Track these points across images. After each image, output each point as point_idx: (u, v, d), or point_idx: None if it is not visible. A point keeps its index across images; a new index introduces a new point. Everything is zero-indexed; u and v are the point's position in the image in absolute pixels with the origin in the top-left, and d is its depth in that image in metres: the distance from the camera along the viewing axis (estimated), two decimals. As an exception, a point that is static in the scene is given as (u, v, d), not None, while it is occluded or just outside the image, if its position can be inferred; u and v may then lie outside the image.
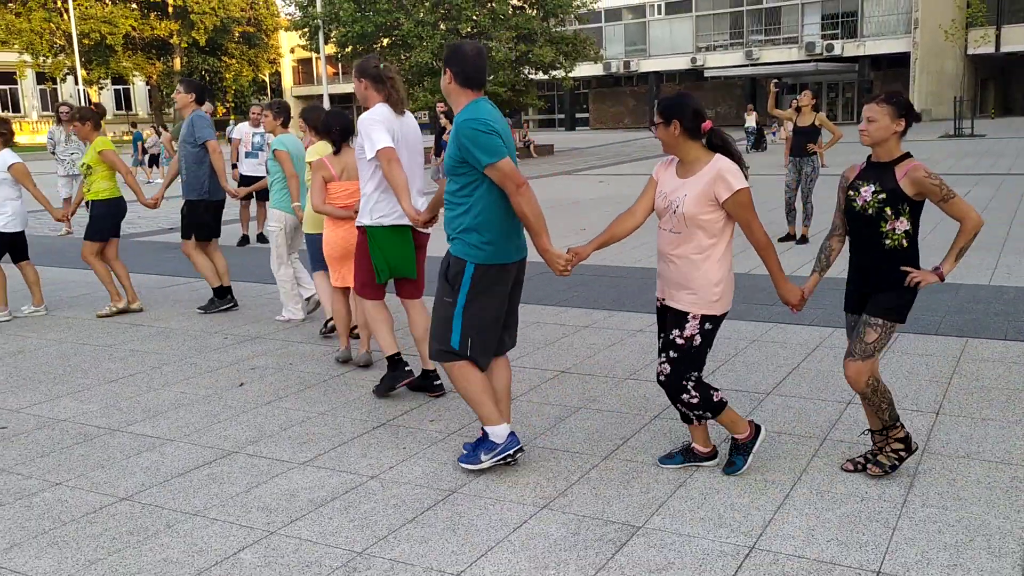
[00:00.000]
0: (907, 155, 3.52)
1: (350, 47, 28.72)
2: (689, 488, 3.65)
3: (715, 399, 3.66)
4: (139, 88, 60.97)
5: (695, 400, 3.63)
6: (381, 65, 4.73)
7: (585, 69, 39.32)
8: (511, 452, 3.82)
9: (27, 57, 49.35)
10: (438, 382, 4.98)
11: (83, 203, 7.40)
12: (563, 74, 29.98)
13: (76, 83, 46.27)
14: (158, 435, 4.53)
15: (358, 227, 4.86)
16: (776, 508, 3.45)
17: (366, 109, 4.73)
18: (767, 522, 3.34)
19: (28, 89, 57.70)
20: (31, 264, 7.40)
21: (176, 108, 7.81)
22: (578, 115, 51.97)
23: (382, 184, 4.67)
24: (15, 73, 53.58)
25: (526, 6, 29.03)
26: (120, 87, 59.64)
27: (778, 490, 3.60)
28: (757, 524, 3.32)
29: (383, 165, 4.51)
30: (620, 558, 3.12)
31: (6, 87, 57.39)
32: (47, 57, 49.10)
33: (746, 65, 44.14)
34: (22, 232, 7.28)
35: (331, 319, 6.26)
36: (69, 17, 44.89)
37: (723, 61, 45.18)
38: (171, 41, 52.11)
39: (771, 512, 3.41)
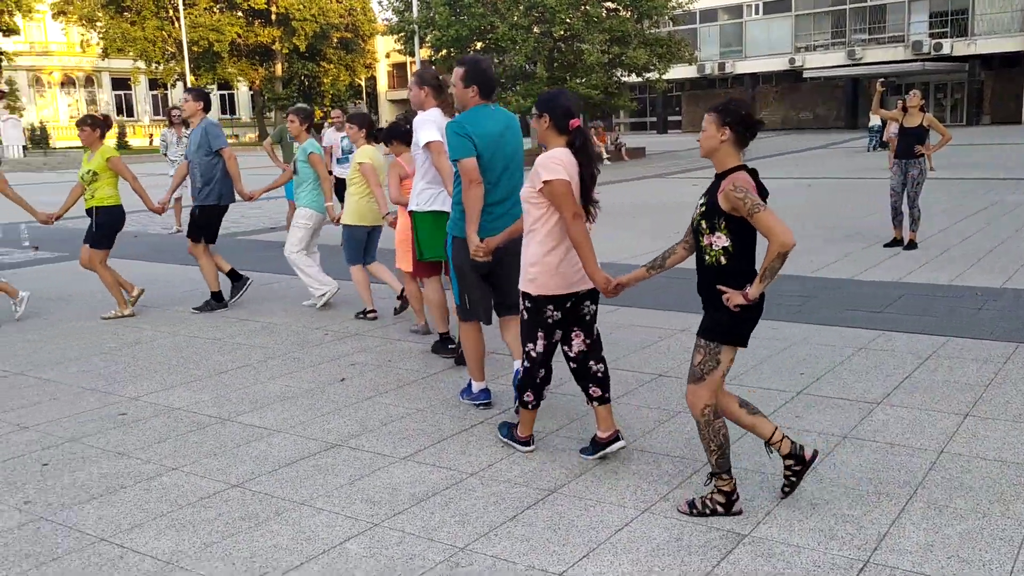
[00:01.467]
0: (739, 167, 3.24)
1: (444, 51, 29.08)
2: (797, 498, 3.55)
3: (526, 395, 4.04)
4: (242, 93, 63.20)
5: (521, 377, 4.08)
6: (440, 76, 5.45)
7: (678, 71, 38.77)
8: (479, 403, 4.80)
9: (141, 64, 51.75)
10: (452, 345, 5.74)
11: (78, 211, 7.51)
12: (656, 76, 29.67)
13: (185, 88, 48.22)
14: (265, 426, 4.67)
15: (408, 212, 5.63)
16: (891, 522, 3.32)
17: (420, 111, 5.35)
18: (882, 535, 3.21)
19: (141, 94, 60.54)
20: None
21: (185, 116, 7.97)
22: (670, 118, 51.36)
23: (428, 175, 5.35)
24: (130, 79, 56.28)
25: (620, 8, 28.85)
26: (225, 92, 61.94)
27: (892, 503, 3.47)
28: (871, 537, 3.21)
29: (432, 156, 5.16)
30: (726, 566, 3.06)
31: (122, 92, 60.35)
32: (159, 64, 51.38)
33: (848, 65, 42.83)
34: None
35: (401, 290, 6.92)
36: (180, 26, 46.88)
37: (823, 61, 43.95)
38: (273, 47, 53.79)
39: (886, 525, 3.29)
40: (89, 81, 60.55)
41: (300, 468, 4.08)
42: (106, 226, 7.32)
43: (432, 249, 5.47)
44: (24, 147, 38.96)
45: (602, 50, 27.22)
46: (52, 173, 31.13)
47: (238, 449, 4.34)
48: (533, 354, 3.97)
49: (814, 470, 3.76)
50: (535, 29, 27.82)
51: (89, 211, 7.32)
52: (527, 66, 27.10)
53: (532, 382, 4.02)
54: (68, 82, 59.68)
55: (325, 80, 56.47)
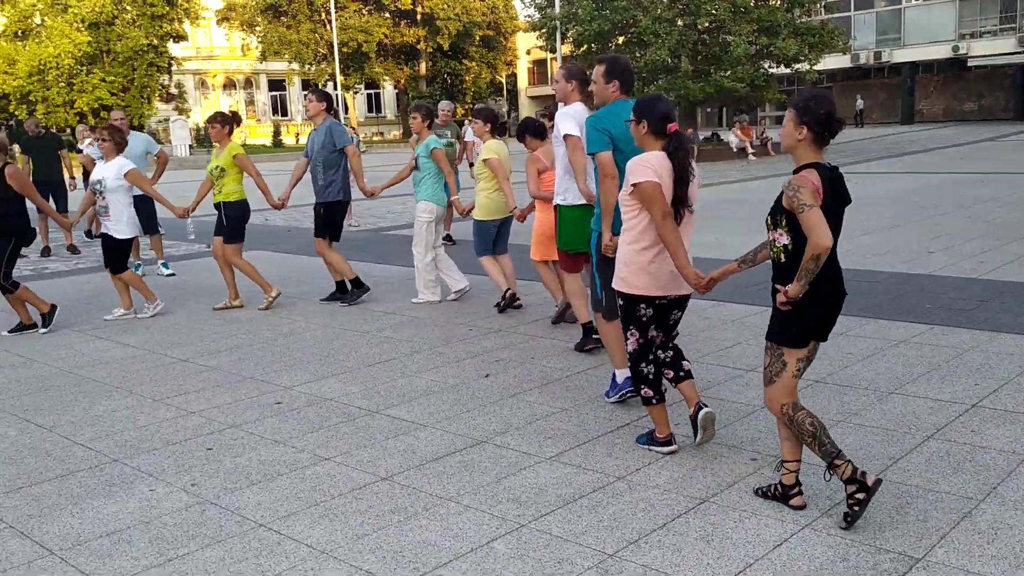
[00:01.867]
0: (810, 165, 3.22)
1: (585, 46, 28.92)
2: (975, 520, 3.27)
3: (643, 391, 4.03)
4: (388, 92, 65.17)
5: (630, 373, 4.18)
6: (586, 71, 5.46)
7: (830, 61, 37.07)
8: (626, 392, 4.78)
9: (295, 66, 54.28)
10: (596, 336, 5.68)
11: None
12: (807, 67, 28.46)
13: (335, 88, 50.22)
14: (412, 419, 4.73)
15: (553, 206, 5.76)
16: (1087, 553, 3.00)
17: (563, 104, 5.42)
18: (1077, 568, 2.91)
19: (295, 95, 63.42)
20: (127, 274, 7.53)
21: (309, 116, 8.09)
22: (820, 111, 49.19)
23: (569, 167, 5.45)
24: (285, 80, 59.12)
25: (769, -3, 27.87)
26: (371, 91, 64.07)
27: (1088, 532, 3.14)
28: (1064, 569, 2.91)
29: (568, 150, 5.29)
30: (897, 590, 2.84)
31: (277, 93, 63.46)
32: (311, 65, 53.71)
33: (1019, 52, 39.79)
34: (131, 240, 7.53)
35: (508, 291, 7.15)
36: (331, 28, 48.82)
37: (991, 49, 41.02)
38: (418, 47, 55.19)
39: (1081, 557, 2.98)
40: (248, 83, 63.99)
41: (447, 464, 4.10)
42: (235, 220, 7.61)
43: (576, 242, 5.51)
44: (190, 146, 41.56)
45: (749, 41, 26.36)
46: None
47: (387, 442, 4.42)
48: (630, 349, 4.07)
49: (994, 491, 3.46)
50: (679, 22, 27.24)
51: (217, 205, 7.63)
52: (670, 60, 26.56)
53: (642, 377, 4.05)
54: (229, 84, 63.25)
55: (467, 78, 57.48)
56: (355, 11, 52.50)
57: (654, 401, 4.04)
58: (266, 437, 4.54)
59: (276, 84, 61.98)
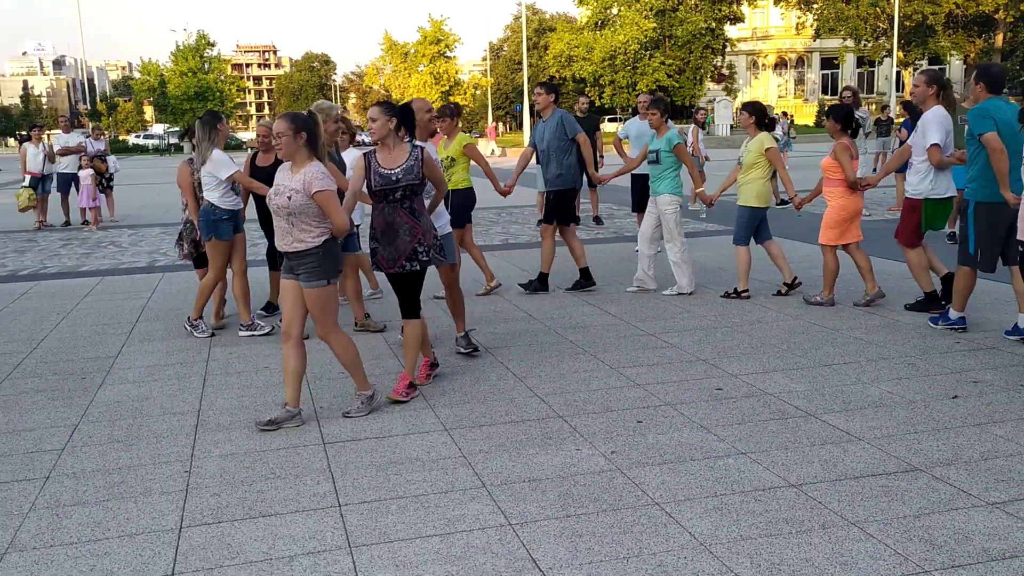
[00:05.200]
0: None
1: None
2: None
3: None
4: (954, 67, 58.94)
5: None
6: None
7: None
8: (955, 327, 6.29)
9: (849, 43, 52.08)
10: (944, 302, 6.70)
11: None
12: None
13: (893, 65, 47.07)
14: (848, 430, 4.42)
15: (910, 197, 6.69)
16: None
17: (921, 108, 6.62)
18: None
19: (847, 73, 60.96)
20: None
21: (539, 108, 8.05)
22: None
23: (922, 163, 6.55)
24: (836, 58, 57.14)
25: None
26: (934, 67, 58.52)
27: None
28: None
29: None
30: None
31: (828, 72, 61.69)
32: (867, 42, 51.02)
33: None
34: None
35: (795, 279, 7.70)
36: (894, 1, 45.68)
37: None
38: (996, 16, 48.75)
39: None
40: (800, 62, 63.28)
41: (866, 484, 3.77)
42: (460, 207, 7.67)
43: (939, 223, 6.67)
44: (731, 126, 42.61)
45: None
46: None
47: (811, 448, 4.20)
48: None
49: None
50: None
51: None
52: None
53: None
54: (780, 64, 63.29)
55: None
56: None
57: None
58: (694, 420, 4.64)
59: (827, 63, 60.20)
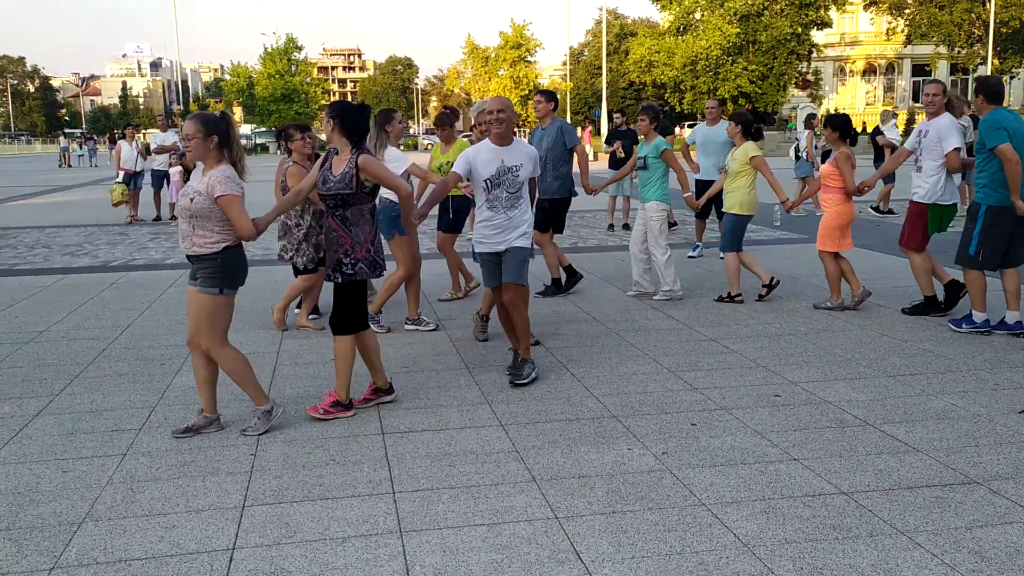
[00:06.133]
0: None
1: None
2: None
3: None
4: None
5: None
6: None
7: None
8: (981, 330, 6.46)
9: (942, 49, 50.40)
10: (942, 303, 7.05)
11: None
12: None
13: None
14: (907, 441, 4.36)
15: (917, 202, 6.93)
16: None
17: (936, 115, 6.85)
18: None
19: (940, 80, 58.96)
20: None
21: (539, 116, 8.07)
22: None
23: (935, 169, 6.83)
24: (928, 65, 55.33)
25: None
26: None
27: None
28: None
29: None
30: None
31: (919, 79, 59.76)
32: (962, 48, 49.29)
33: None
34: None
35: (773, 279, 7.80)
36: (990, 7, 44.05)
37: None
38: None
39: None
40: (890, 68, 61.52)
41: (920, 495, 3.73)
42: (459, 213, 7.70)
43: (943, 226, 6.92)
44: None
45: None
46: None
47: (866, 457, 4.16)
48: None
49: None
50: None
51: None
52: None
53: None
54: (869, 70, 61.64)
55: None
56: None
57: None
58: (749, 426, 4.64)
59: (918, 69, 58.36)
